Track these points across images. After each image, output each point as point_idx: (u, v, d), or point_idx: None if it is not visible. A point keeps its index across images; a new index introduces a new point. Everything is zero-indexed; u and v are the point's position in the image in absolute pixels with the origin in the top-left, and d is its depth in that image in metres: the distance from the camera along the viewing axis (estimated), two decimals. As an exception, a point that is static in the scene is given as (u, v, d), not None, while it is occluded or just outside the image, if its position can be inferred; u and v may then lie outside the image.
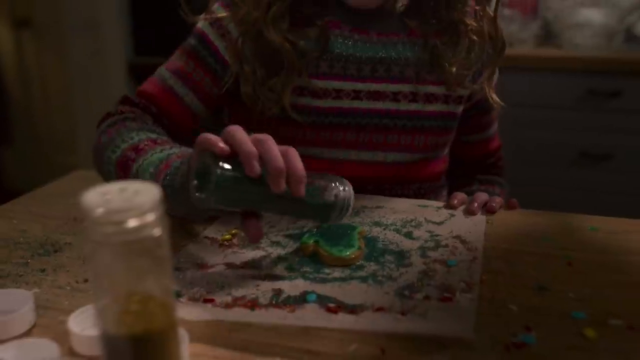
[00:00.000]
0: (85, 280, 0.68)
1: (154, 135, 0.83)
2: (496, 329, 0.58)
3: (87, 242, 0.42)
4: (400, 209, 0.87)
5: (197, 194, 0.62)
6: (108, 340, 0.44)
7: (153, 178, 0.73)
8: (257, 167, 0.61)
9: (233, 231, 0.79)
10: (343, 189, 0.68)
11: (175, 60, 0.96)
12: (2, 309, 0.60)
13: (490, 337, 0.57)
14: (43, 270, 0.70)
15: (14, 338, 0.57)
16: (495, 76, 1.01)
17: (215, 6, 0.96)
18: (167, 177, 0.71)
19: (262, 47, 0.89)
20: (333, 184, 0.68)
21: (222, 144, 0.62)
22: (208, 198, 0.62)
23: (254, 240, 0.66)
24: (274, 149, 0.62)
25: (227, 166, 0.62)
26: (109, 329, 0.44)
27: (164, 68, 0.96)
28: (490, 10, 0.95)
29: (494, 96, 0.98)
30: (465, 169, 1.09)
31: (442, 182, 1.03)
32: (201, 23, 0.96)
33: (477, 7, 0.95)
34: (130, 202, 0.42)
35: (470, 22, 0.94)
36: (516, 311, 0.61)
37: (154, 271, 0.44)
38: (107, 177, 0.84)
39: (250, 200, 0.64)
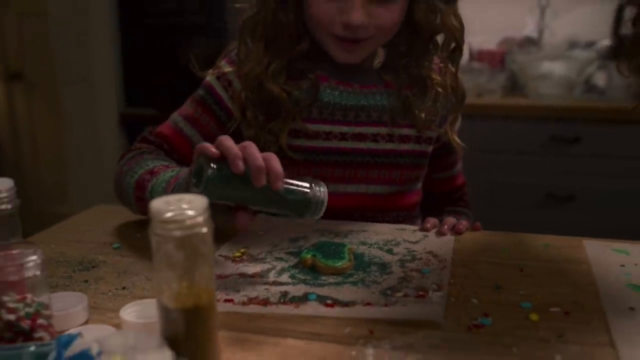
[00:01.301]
0: (124, 288, 0.82)
1: (166, 163, 1.00)
2: (460, 315, 0.73)
3: (154, 237, 0.57)
4: (381, 232, 1.03)
5: (194, 189, 0.77)
6: (165, 312, 0.59)
7: (164, 191, 0.88)
8: (240, 166, 0.76)
9: (242, 250, 0.94)
10: (319, 189, 0.82)
11: (186, 107, 1.12)
12: (61, 307, 0.73)
13: (456, 321, 0.72)
14: (86, 281, 0.84)
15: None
16: (458, 122, 1.17)
17: (222, 62, 1.12)
18: (176, 188, 0.86)
19: (263, 96, 1.06)
20: (310, 184, 0.82)
21: (213, 149, 0.77)
22: (202, 192, 0.75)
23: (242, 227, 0.80)
24: (255, 151, 0.77)
25: (216, 165, 0.77)
26: (166, 304, 0.58)
27: (176, 114, 1.12)
28: (452, 67, 1.12)
29: (456, 139, 1.15)
30: (436, 202, 1.25)
31: (417, 212, 1.19)
32: (209, 77, 1.12)
33: (441, 65, 1.12)
34: (186, 208, 0.57)
35: (436, 76, 1.11)
36: (477, 303, 0.76)
37: (200, 261, 0.59)
38: (126, 199, 1.01)
39: (238, 195, 0.79)
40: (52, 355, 0.57)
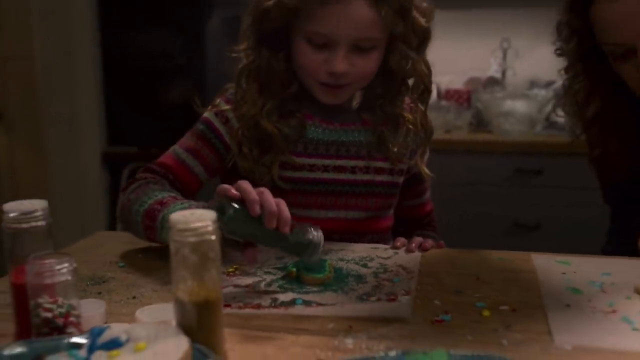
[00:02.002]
0: (134, 297, 0.94)
1: (173, 194, 1.12)
2: (425, 313, 0.87)
3: (172, 243, 0.70)
4: (357, 250, 1.16)
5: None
6: (181, 306, 0.71)
7: None
8: (258, 209, 0.90)
9: (235, 266, 1.06)
10: (317, 234, 0.97)
11: (187, 140, 1.25)
12: (84, 311, 0.85)
13: (421, 317, 0.85)
14: (99, 293, 0.96)
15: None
16: (426, 155, 1.32)
17: (219, 101, 1.26)
18: None
19: (258, 133, 1.19)
20: (310, 229, 0.97)
21: (234, 191, 0.91)
22: (222, 228, 0.89)
23: (250, 262, 0.94)
24: (270, 198, 0.91)
25: (237, 206, 0.90)
26: (182, 298, 0.71)
27: (177, 146, 1.25)
28: (422, 106, 1.27)
29: (425, 169, 1.29)
30: (406, 227, 1.38)
31: (389, 235, 1.33)
32: (207, 113, 1.26)
33: (412, 104, 1.27)
34: (198, 219, 0.70)
35: (407, 115, 1.26)
36: (439, 304, 0.90)
37: (210, 263, 0.71)
38: (134, 226, 1.12)
39: (250, 233, 0.93)
40: (88, 342, 0.69)
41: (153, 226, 1.07)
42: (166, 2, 3.27)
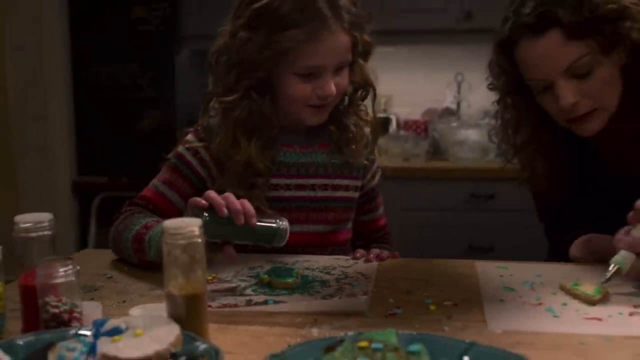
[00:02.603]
0: (124, 301, 1.06)
1: (155, 219, 1.25)
2: (380, 308, 1.01)
3: (165, 245, 0.83)
4: (321, 261, 1.30)
5: None
6: (172, 299, 0.84)
7: (160, 241, 1.13)
8: (225, 211, 1.06)
9: (213, 275, 1.19)
10: (282, 222, 1.13)
11: (163, 174, 1.38)
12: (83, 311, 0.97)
13: (376, 312, 0.99)
14: (92, 299, 1.08)
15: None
16: (378, 174, 1.48)
17: (190, 137, 1.39)
18: None
19: (247, 172, 1.32)
20: (276, 219, 1.13)
21: (203, 201, 1.07)
22: None
23: (229, 259, 1.08)
24: (233, 199, 1.08)
25: (207, 213, 1.06)
26: (173, 292, 0.84)
27: (155, 180, 1.39)
28: (372, 108, 1.42)
29: (373, 157, 1.48)
30: (363, 240, 1.53)
31: (348, 247, 1.46)
32: (180, 148, 1.39)
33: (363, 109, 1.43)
34: (187, 225, 0.83)
35: (364, 117, 1.42)
36: (392, 302, 1.04)
37: (196, 262, 0.84)
38: (125, 251, 1.26)
39: (224, 233, 1.08)
40: (93, 331, 0.81)
41: (142, 248, 1.21)
42: (137, 36, 3.40)
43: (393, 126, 3.40)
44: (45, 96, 3.37)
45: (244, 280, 1.17)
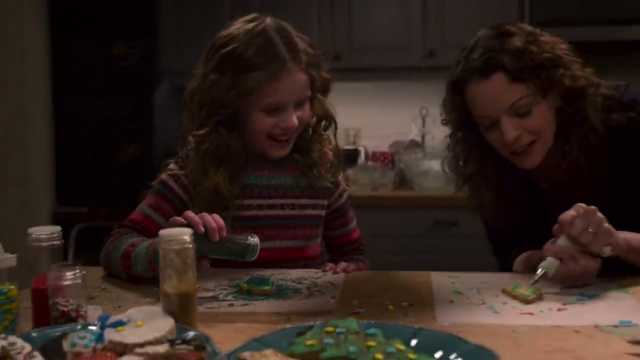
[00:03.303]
0: (119, 306, 1.20)
1: (140, 238, 1.40)
2: (345, 308, 1.16)
3: (161, 250, 0.98)
4: (294, 273, 1.45)
5: None
6: (166, 297, 0.98)
7: (146, 254, 1.29)
8: (201, 228, 1.22)
9: (198, 285, 1.33)
10: (253, 239, 1.27)
11: (149, 198, 1.53)
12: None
13: (342, 310, 1.15)
14: (89, 304, 1.21)
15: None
16: (345, 194, 1.64)
17: (172, 165, 1.54)
18: (153, 250, 1.26)
19: (215, 200, 1.47)
20: (248, 236, 1.27)
21: (182, 220, 1.22)
22: None
23: (205, 268, 1.24)
24: (209, 217, 1.24)
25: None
26: (168, 291, 0.98)
27: (142, 204, 1.53)
28: (333, 140, 1.59)
29: (344, 183, 1.63)
30: (339, 252, 1.68)
31: (319, 261, 1.61)
32: (163, 175, 1.54)
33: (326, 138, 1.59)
34: (179, 233, 0.98)
35: (327, 146, 1.58)
36: (357, 303, 1.19)
37: (187, 265, 0.99)
38: (115, 270, 1.41)
39: (202, 249, 1.21)
40: (99, 324, 0.95)
41: (129, 264, 1.36)
42: (117, 72, 3.54)
43: (362, 158, 3.58)
44: (26, 129, 3.48)
45: (225, 289, 1.32)
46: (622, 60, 3.62)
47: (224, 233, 1.24)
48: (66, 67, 3.58)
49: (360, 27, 3.41)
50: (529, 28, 1.44)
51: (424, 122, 3.57)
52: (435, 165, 3.27)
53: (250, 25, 1.45)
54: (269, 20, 1.48)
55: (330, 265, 1.48)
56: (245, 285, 1.30)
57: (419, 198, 3.19)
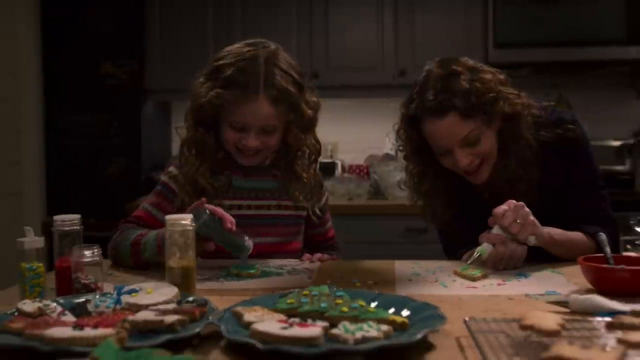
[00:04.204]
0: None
1: (146, 230, 1.60)
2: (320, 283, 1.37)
3: (167, 230, 1.18)
4: (276, 262, 1.66)
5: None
6: (171, 270, 1.19)
7: (156, 241, 1.48)
8: (219, 213, 1.42)
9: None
10: (249, 242, 1.50)
11: (152, 198, 1.74)
12: (98, 289, 1.30)
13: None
14: (101, 285, 1.41)
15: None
16: (324, 198, 1.85)
17: (171, 168, 1.75)
18: (162, 237, 1.47)
19: (196, 187, 1.68)
20: (246, 238, 1.48)
21: (209, 206, 1.43)
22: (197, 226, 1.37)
23: (209, 249, 1.46)
24: (227, 215, 1.44)
25: (208, 213, 1.41)
26: (172, 265, 1.19)
27: (145, 203, 1.74)
28: (313, 166, 1.79)
29: (317, 210, 1.81)
30: (317, 249, 1.88)
31: (299, 255, 1.81)
32: (164, 177, 1.75)
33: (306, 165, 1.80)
34: (183, 218, 1.19)
35: (304, 173, 1.77)
36: (329, 282, 1.40)
37: (187, 245, 1.20)
38: (123, 258, 1.61)
39: (212, 231, 1.42)
40: (115, 292, 1.15)
41: (138, 251, 1.56)
42: (105, 90, 3.73)
43: (339, 170, 3.81)
44: (19, 143, 3.65)
45: (217, 275, 1.52)
46: (579, 78, 3.91)
47: (234, 227, 1.46)
48: (57, 85, 3.76)
49: (337, 48, 3.66)
50: (471, 63, 1.65)
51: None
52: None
53: (247, 48, 1.65)
54: (267, 49, 1.66)
55: (307, 255, 1.70)
56: (234, 269, 1.51)
57: (392, 207, 3.40)
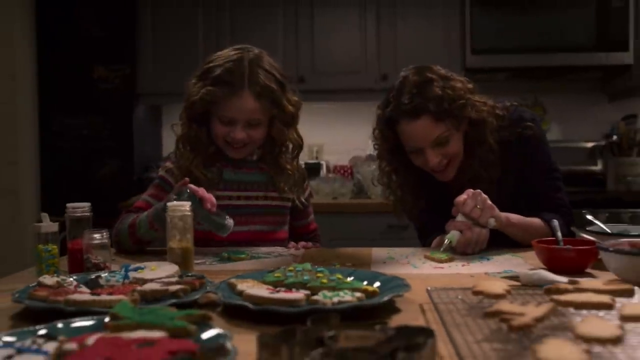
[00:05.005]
0: (129, 268, 1.55)
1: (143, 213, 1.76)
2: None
3: (168, 215, 1.34)
4: (264, 249, 1.82)
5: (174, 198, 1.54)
6: (172, 251, 1.35)
7: (147, 217, 1.65)
8: (200, 194, 1.57)
9: (188, 256, 1.69)
10: (229, 220, 1.65)
11: (150, 190, 1.90)
12: (105, 270, 1.45)
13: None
14: (106, 268, 1.56)
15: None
16: (307, 191, 2.01)
17: (167, 163, 1.91)
18: (153, 211, 1.63)
19: (191, 178, 1.84)
20: (226, 216, 1.63)
21: (191, 185, 1.58)
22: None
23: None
24: (208, 194, 1.59)
25: (188, 191, 1.56)
26: (172, 246, 1.35)
27: (144, 195, 1.89)
28: (296, 160, 1.96)
29: (302, 199, 1.98)
30: (297, 240, 2.04)
31: (285, 244, 1.98)
32: (161, 171, 1.91)
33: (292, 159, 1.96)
34: (182, 205, 1.35)
35: (288, 165, 1.94)
36: (312, 264, 1.56)
37: (186, 229, 1.36)
38: (124, 240, 1.77)
39: (195, 210, 1.56)
40: (123, 269, 1.30)
41: (134, 230, 1.72)
42: (99, 93, 3.87)
43: (324, 170, 3.98)
44: (16, 144, 3.78)
45: (210, 260, 1.68)
46: (553, 83, 4.11)
47: (214, 209, 1.61)
48: (52, 88, 3.89)
49: (322, 54, 3.83)
50: (443, 72, 1.82)
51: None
52: (388, 176, 3.68)
53: (233, 52, 1.84)
54: (252, 52, 1.85)
55: (292, 243, 1.86)
56: (226, 255, 1.67)
57: (374, 205, 3.56)
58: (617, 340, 0.81)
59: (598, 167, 4.04)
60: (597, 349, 0.82)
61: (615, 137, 3.96)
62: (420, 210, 1.95)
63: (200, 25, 3.88)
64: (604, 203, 3.53)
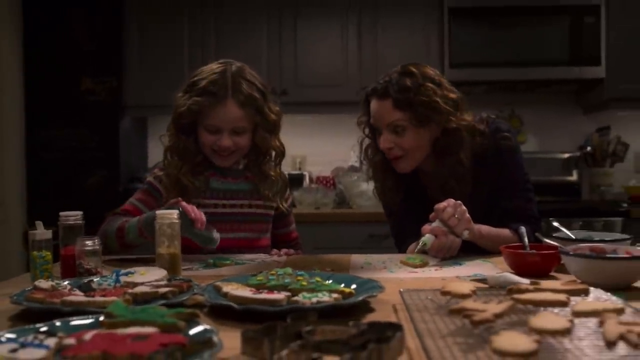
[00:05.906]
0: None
1: (129, 218, 1.83)
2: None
3: (157, 223, 1.42)
4: (248, 256, 1.89)
5: None
6: (160, 256, 1.43)
7: (137, 223, 1.72)
8: (192, 214, 1.64)
9: (175, 262, 1.77)
10: (217, 234, 1.72)
11: (138, 194, 1.97)
12: (96, 275, 1.52)
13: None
14: (97, 274, 1.64)
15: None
16: (289, 199, 2.10)
17: (156, 170, 1.99)
18: (143, 219, 1.70)
19: (178, 187, 1.92)
20: (214, 231, 1.71)
21: (183, 202, 1.65)
22: None
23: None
24: (198, 211, 1.66)
25: (180, 210, 1.63)
26: (161, 252, 1.43)
27: (132, 199, 1.96)
28: (279, 166, 2.05)
29: (285, 205, 2.07)
30: (281, 248, 2.13)
31: (268, 251, 2.06)
32: (150, 177, 1.99)
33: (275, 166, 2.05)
34: (170, 212, 1.43)
35: (272, 172, 2.03)
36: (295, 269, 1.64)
37: (173, 236, 1.44)
38: (110, 244, 1.83)
39: (184, 229, 1.64)
40: (114, 274, 1.38)
41: (122, 234, 1.79)
42: (86, 105, 3.93)
43: (306, 181, 4.06)
44: (3, 155, 3.82)
45: (197, 266, 1.75)
46: (530, 96, 4.23)
47: (203, 227, 1.69)
48: (39, 100, 3.95)
49: (305, 67, 3.93)
50: (431, 73, 1.93)
51: (361, 149, 4.06)
52: (371, 186, 3.76)
53: (217, 65, 1.94)
54: (234, 65, 1.94)
55: (275, 250, 1.95)
56: (211, 261, 1.75)
57: (356, 215, 3.66)
58: (565, 332, 0.90)
59: (574, 177, 4.17)
60: (548, 340, 0.91)
61: (589, 148, 4.09)
62: (400, 200, 2.04)
63: (186, 39, 3.97)
64: (579, 212, 3.65)
